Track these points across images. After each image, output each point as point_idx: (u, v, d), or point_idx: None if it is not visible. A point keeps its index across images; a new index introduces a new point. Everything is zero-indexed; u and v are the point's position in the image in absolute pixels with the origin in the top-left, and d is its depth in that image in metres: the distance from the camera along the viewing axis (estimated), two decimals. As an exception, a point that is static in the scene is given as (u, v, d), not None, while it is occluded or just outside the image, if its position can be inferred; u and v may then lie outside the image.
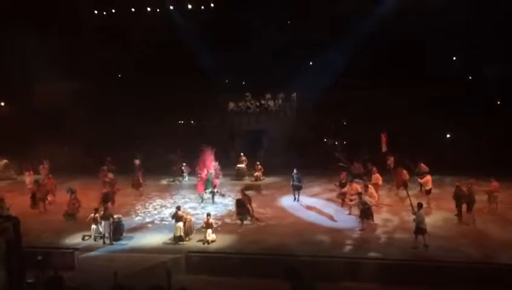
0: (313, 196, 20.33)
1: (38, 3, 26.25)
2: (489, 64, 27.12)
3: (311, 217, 17.18)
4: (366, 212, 15.36)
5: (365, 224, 15.40)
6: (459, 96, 25.93)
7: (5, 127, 27.09)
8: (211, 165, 20.41)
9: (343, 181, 18.17)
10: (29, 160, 23.95)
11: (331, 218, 16.93)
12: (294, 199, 19.36)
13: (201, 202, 19.49)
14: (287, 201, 19.44)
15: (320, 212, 17.76)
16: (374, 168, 19.29)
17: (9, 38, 26.83)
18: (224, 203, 19.43)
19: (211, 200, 19.51)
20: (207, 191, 19.67)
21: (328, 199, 19.59)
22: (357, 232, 15.23)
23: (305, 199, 19.56)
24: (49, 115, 27.39)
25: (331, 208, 18.19)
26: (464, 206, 15.54)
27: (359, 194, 15.85)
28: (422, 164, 19.18)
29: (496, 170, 19.13)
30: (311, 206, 18.65)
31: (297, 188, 19.33)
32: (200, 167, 20.54)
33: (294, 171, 19.36)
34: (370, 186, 16.71)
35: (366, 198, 15.52)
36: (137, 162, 24.02)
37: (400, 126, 25.02)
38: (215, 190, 19.74)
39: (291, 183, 19.49)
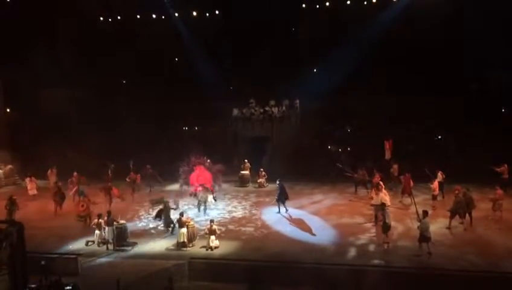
0: (316, 203, 20.31)
1: (44, 10, 26.47)
2: (495, 72, 27.06)
3: (314, 224, 17.09)
4: (383, 227, 14.62)
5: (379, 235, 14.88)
6: (465, 104, 25.90)
7: (11, 133, 27.25)
8: (205, 180, 20.15)
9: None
10: (32, 167, 24.06)
11: (334, 225, 16.88)
12: (278, 211, 18.46)
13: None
14: (289, 208, 19.36)
15: (323, 219, 17.71)
16: (376, 176, 19.32)
17: (16, 44, 27.06)
18: (228, 210, 19.42)
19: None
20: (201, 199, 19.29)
21: (332, 206, 19.61)
22: (360, 240, 15.18)
23: (308, 206, 19.56)
24: (55, 121, 27.51)
25: (334, 215, 18.16)
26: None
27: (373, 205, 15.53)
28: (440, 173, 19.25)
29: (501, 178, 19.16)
30: (314, 213, 18.59)
31: (281, 201, 18.41)
32: (192, 180, 20.38)
33: (277, 182, 18.60)
34: (385, 191, 16.63)
35: (386, 212, 15.00)
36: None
37: (405, 134, 24.91)
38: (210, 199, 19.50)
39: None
